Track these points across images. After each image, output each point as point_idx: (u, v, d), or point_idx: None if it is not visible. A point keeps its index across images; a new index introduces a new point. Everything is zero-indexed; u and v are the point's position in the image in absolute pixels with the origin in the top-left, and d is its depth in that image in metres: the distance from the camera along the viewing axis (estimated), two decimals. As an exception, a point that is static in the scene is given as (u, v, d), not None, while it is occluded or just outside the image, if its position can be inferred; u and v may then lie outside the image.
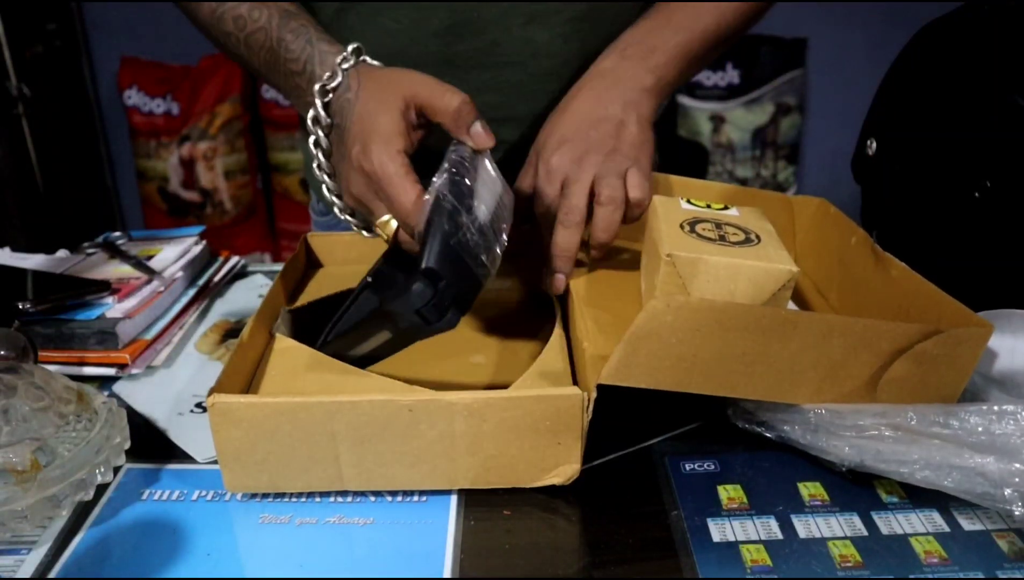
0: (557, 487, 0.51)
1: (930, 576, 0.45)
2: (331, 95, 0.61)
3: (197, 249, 0.80)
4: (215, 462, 0.53)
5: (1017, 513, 0.46)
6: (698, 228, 0.58)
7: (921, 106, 0.66)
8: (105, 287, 0.69)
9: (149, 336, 0.68)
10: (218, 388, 0.50)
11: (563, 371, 0.56)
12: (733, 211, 0.63)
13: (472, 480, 0.51)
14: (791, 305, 0.57)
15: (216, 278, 0.80)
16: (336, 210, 0.64)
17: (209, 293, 0.78)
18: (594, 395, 0.49)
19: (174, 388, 0.64)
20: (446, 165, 0.55)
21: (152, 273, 0.74)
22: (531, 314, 0.67)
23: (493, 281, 0.57)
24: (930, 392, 0.50)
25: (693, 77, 0.84)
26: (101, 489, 0.52)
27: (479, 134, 0.58)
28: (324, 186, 0.64)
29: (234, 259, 0.85)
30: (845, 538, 0.48)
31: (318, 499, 0.52)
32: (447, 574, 0.46)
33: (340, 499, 0.52)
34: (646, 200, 0.62)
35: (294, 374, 0.56)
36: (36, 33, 2.00)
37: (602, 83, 0.69)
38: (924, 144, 0.64)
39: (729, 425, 0.55)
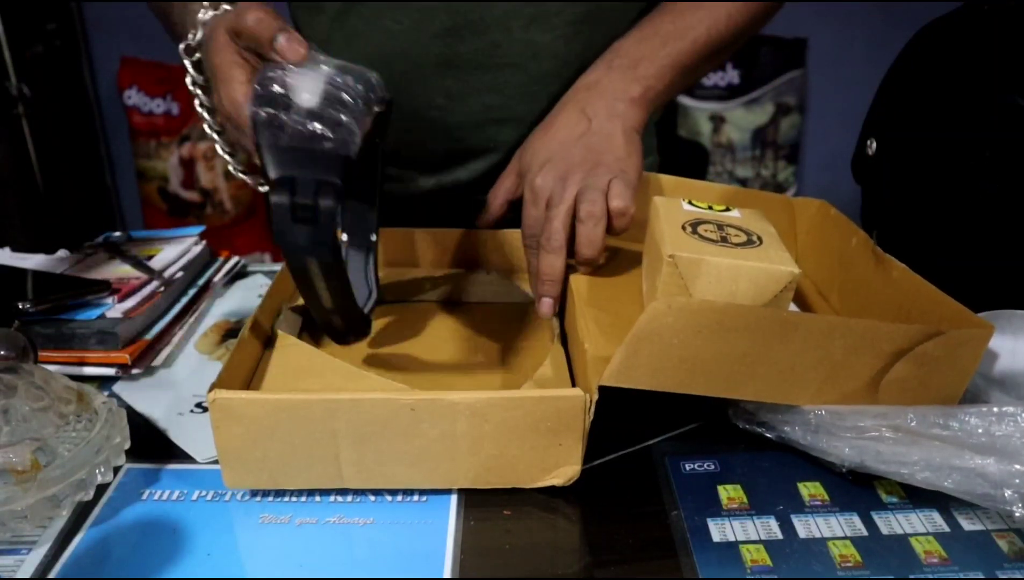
0: (557, 487, 0.51)
1: (930, 576, 0.45)
2: (198, 53, 0.58)
3: (197, 249, 0.80)
4: (215, 462, 0.53)
5: (1018, 514, 0.45)
6: (700, 229, 0.58)
7: (921, 106, 0.66)
8: (105, 287, 0.69)
9: (149, 336, 0.68)
10: (219, 384, 0.50)
11: (562, 372, 0.56)
12: (735, 213, 0.63)
13: (472, 480, 0.51)
14: (792, 306, 0.57)
15: (216, 278, 0.80)
16: (231, 168, 0.60)
17: (209, 293, 0.78)
18: (595, 396, 0.49)
19: (174, 388, 0.64)
20: (255, 85, 0.52)
21: (152, 273, 0.74)
22: (531, 314, 0.67)
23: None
24: (931, 393, 0.50)
25: (688, 87, 0.84)
26: (101, 489, 0.52)
27: (283, 48, 0.52)
28: (217, 145, 0.60)
29: (234, 259, 0.85)
30: (845, 538, 0.48)
31: (318, 499, 0.52)
32: (447, 574, 0.46)
33: (340, 499, 0.52)
34: (629, 209, 0.60)
35: (296, 371, 0.56)
36: (36, 33, 2.00)
37: (587, 96, 0.68)
38: (924, 144, 0.65)
39: (729, 425, 0.55)
